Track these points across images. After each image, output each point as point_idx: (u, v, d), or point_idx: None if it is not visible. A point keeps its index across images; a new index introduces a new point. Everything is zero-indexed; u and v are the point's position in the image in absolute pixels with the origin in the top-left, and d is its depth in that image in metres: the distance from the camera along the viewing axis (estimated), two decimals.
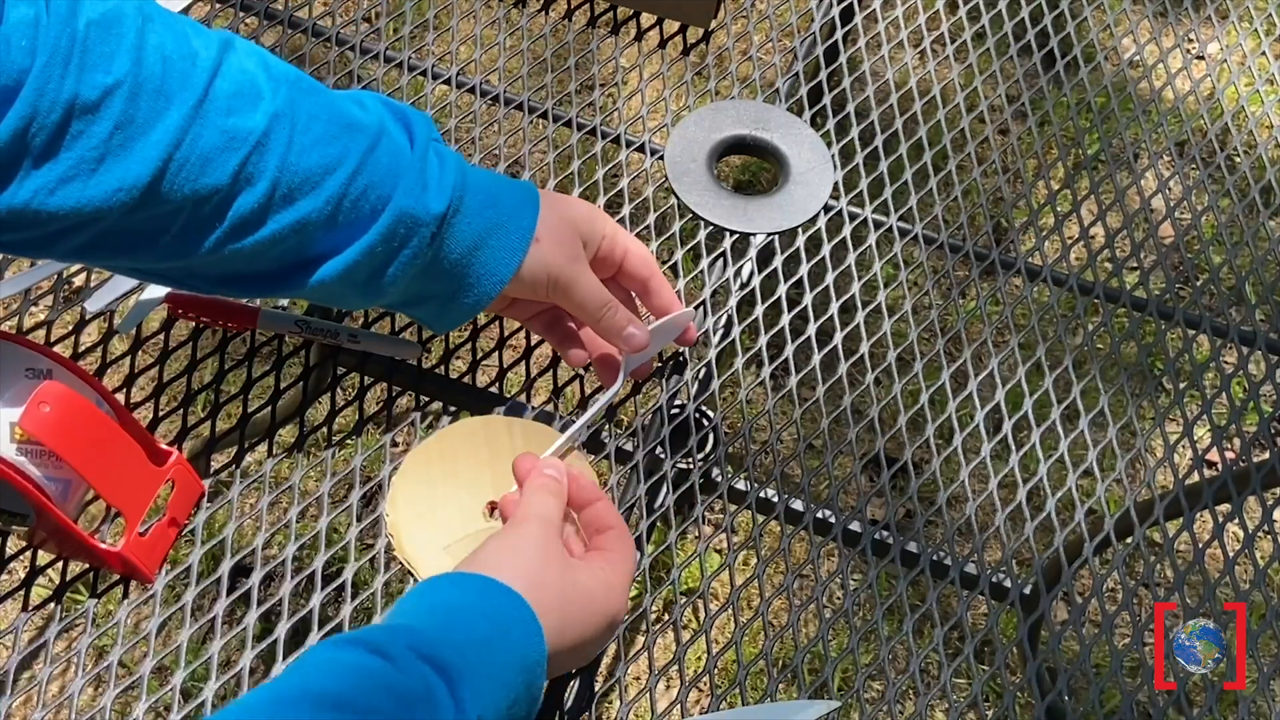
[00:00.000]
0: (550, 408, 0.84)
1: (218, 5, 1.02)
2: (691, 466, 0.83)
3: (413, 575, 0.76)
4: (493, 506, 0.78)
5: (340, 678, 0.58)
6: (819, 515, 0.85)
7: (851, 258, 0.94)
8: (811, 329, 0.90)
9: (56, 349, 0.77)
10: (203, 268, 0.68)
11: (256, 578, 0.77)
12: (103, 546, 0.73)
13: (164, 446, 0.77)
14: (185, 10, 0.99)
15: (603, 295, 0.78)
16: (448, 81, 1.01)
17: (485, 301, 0.75)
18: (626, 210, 0.94)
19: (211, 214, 0.65)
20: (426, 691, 0.58)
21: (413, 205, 0.69)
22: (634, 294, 0.83)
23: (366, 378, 0.86)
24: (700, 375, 0.87)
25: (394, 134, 0.71)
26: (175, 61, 0.62)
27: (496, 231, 0.73)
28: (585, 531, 0.73)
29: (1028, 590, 0.86)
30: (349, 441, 0.83)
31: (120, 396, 0.82)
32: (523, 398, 0.85)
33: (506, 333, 0.89)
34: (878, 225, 0.95)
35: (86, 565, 0.77)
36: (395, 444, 0.83)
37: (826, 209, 0.95)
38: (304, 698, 0.57)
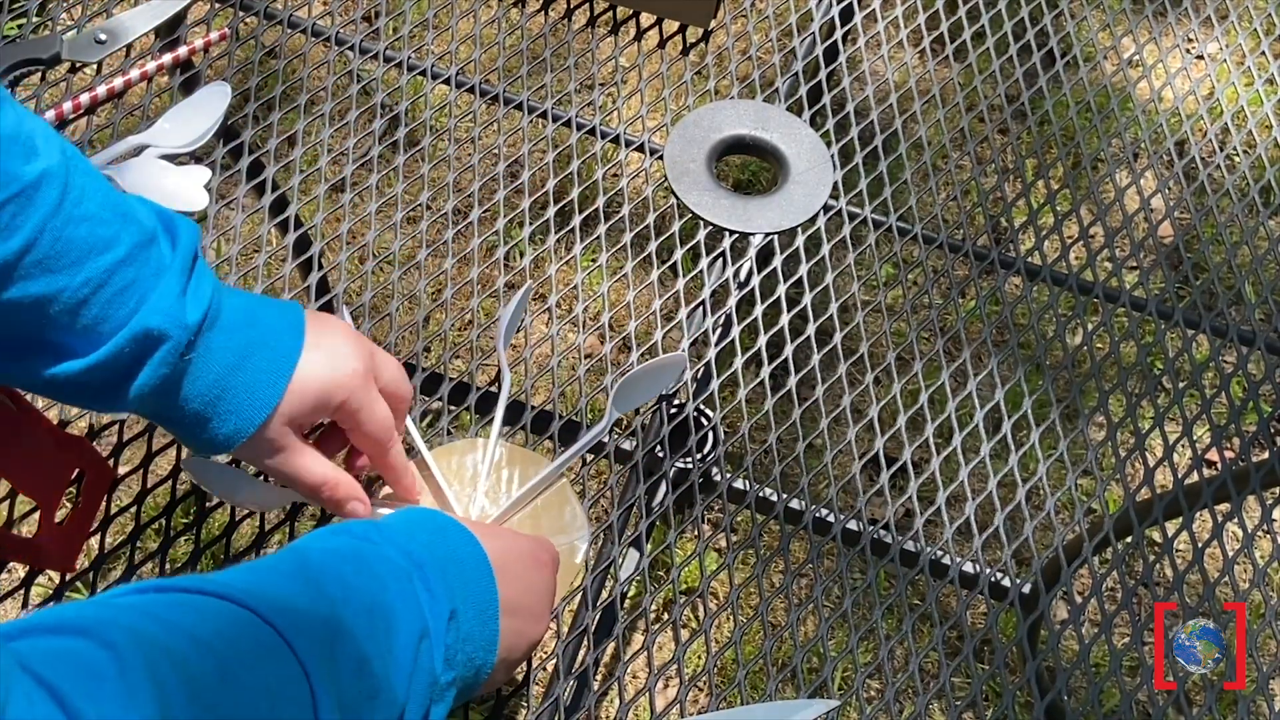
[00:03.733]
0: (550, 408, 0.84)
1: (217, 5, 1.02)
2: (691, 466, 0.83)
3: None
4: None
5: (316, 554, 0.60)
6: (818, 515, 0.85)
7: (851, 257, 0.94)
8: (811, 329, 0.90)
9: None
10: None
11: None
12: (20, 538, 0.72)
13: (71, 434, 0.77)
14: (184, 10, 0.99)
15: (314, 477, 0.71)
16: (447, 81, 1.01)
17: (248, 429, 0.68)
18: (626, 210, 0.94)
19: None
20: (410, 571, 0.60)
21: (170, 309, 0.64)
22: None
23: None
24: (699, 375, 0.87)
25: (161, 238, 0.66)
26: None
27: (256, 351, 0.67)
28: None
29: (1027, 590, 0.86)
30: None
31: None
32: (522, 398, 0.85)
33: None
34: (877, 225, 0.95)
35: (87, 565, 0.77)
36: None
37: (826, 208, 0.95)
38: (302, 569, 0.59)
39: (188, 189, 0.89)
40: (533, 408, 0.84)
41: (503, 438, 0.82)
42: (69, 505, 0.76)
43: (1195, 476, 0.87)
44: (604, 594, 0.79)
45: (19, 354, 0.63)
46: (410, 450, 0.80)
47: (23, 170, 0.60)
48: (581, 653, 0.77)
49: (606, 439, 0.83)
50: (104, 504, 0.78)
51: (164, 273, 0.64)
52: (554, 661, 0.75)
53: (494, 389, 0.85)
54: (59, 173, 0.62)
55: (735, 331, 0.90)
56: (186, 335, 0.64)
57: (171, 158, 0.91)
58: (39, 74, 0.95)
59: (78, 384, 0.63)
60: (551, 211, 0.94)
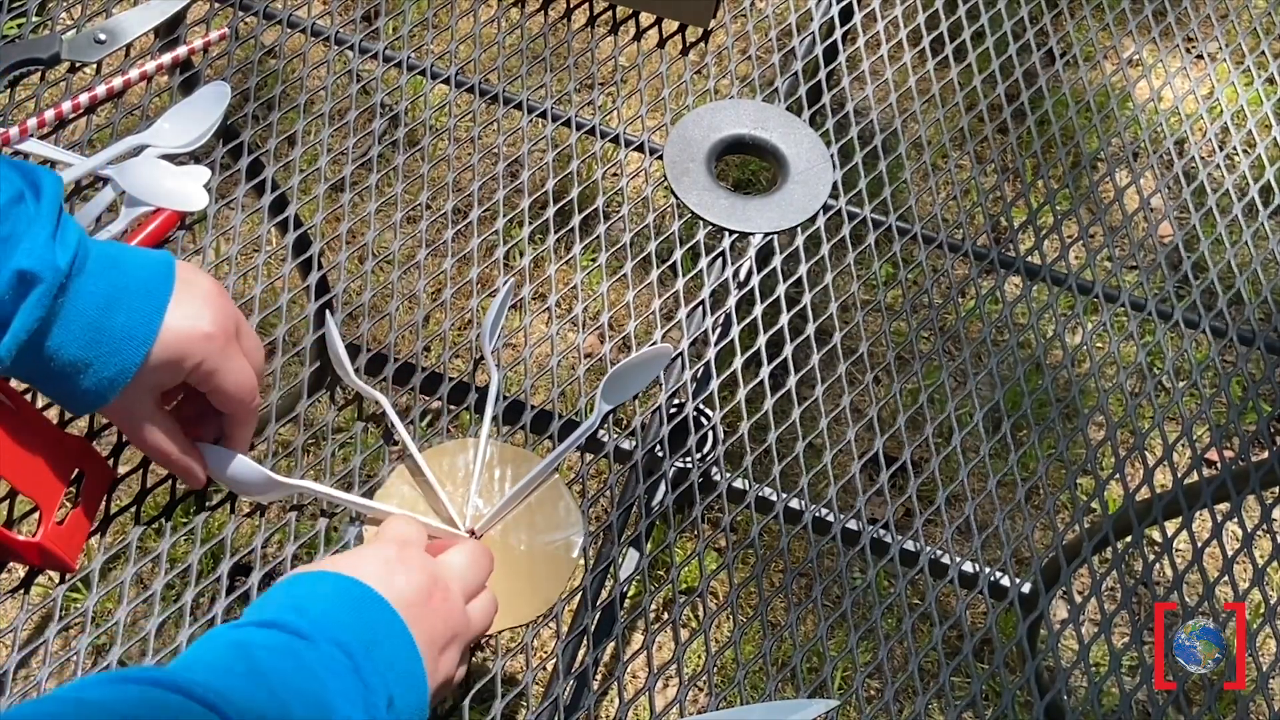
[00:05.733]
0: (550, 408, 0.84)
1: (217, 5, 1.02)
2: (690, 466, 0.83)
3: None
4: (472, 534, 0.78)
5: (261, 653, 0.61)
6: (818, 514, 0.85)
7: (851, 257, 0.94)
8: (811, 328, 0.90)
9: None
10: None
11: (256, 577, 0.77)
12: (21, 539, 0.73)
13: (71, 434, 0.77)
14: (184, 10, 0.99)
15: (162, 451, 0.73)
16: (447, 81, 1.01)
17: (130, 369, 0.68)
18: (626, 210, 0.94)
19: None
20: (342, 669, 0.61)
21: (41, 253, 0.65)
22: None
23: (366, 375, 0.86)
24: (699, 374, 0.87)
25: (27, 193, 0.67)
26: None
27: (125, 294, 0.68)
28: None
29: (1026, 589, 0.86)
30: (348, 441, 0.83)
31: None
32: (522, 397, 0.85)
33: (506, 333, 0.88)
34: (877, 224, 0.95)
35: (88, 565, 0.77)
36: (394, 443, 0.83)
37: (826, 208, 0.95)
38: (255, 671, 0.60)
39: (188, 188, 0.89)
40: (532, 407, 0.84)
41: (502, 438, 0.82)
42: (69, 505, 0.76)
43: (1195, 476, 0.87)
44: (604, 594, 0.79)
45: None
46: (402, 454, 0.80)
47: None
48: (581, 653, 0.77)
49: (606, 438, 0.83)
50: (104, 504, 0.78)
51: (33, 222, 0.65)
52: (554, 661, 0.75)
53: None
54: None
55: (735, 331, 0.90)
56: (58, 278, 0.65)
57: (171, 158, 0.91)
58: (39, 74, 0.95)
59: None
60: (551, 211, 0.94)
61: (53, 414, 0.79)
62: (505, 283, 0.87)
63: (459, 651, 0.69)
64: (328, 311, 0.87)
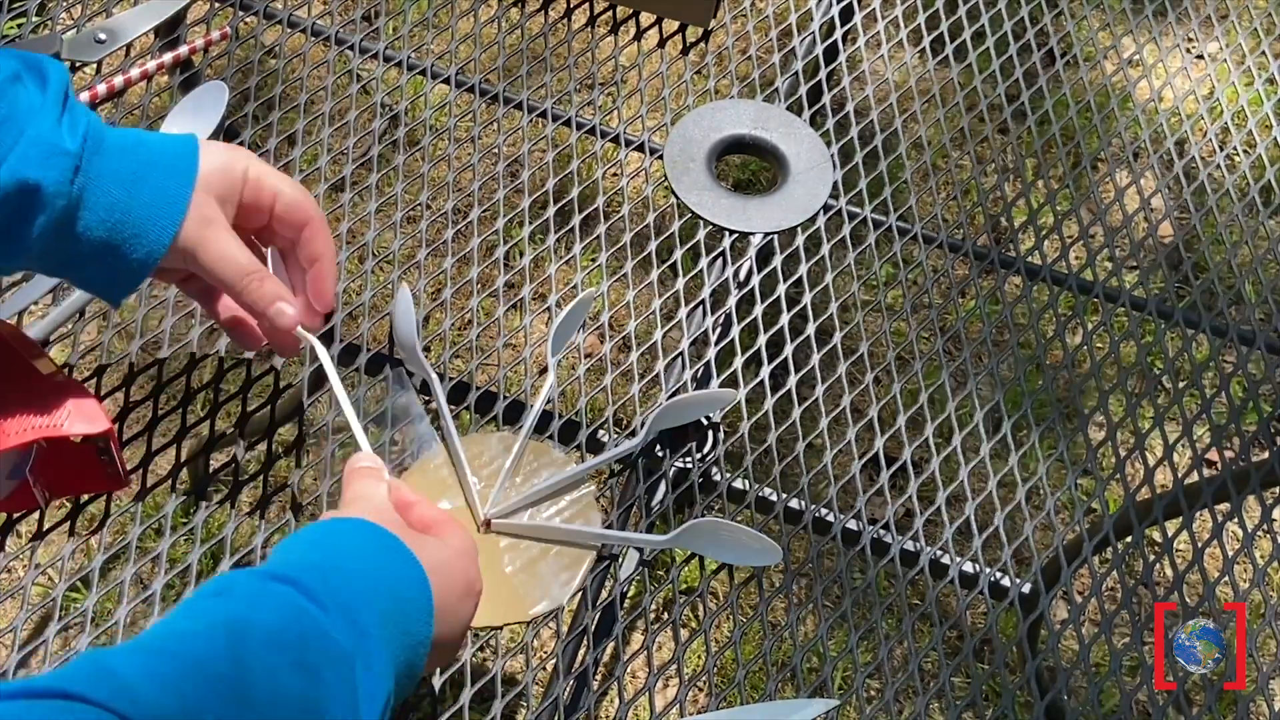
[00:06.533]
0: (550, 408, 0.84)
1: (217, 5, 1.02)
2: (691, 466, 0.83)
3: None
4: (488, 523, 0.78)
5: (280, 614, 0.57)
6: (818, 514, 0.85)
7: (851, 257, 0.94)
8: (811, 328, 0.90)
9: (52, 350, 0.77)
10: None
11: None
12: (83, 430, 0.71)
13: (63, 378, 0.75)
14: (184, 9, 0.99)
15: (240, 264, 0.68)
16: (447, 80, 1.01)
17: (159, 252, 0.66)
18: (626, 210, 0.94)
19: None
20: (352, 655, 0.57)
21: (48, 139, 0.63)
22: (284, 250, 0.73)
23: (365, 376, 0.86)
24: (699, 375, 0.87)
25: (25, 75, 0.65)
26: None
27: (151, 170, 0.66)
28: (415, 529, 0.69)
29: (1027, 589, 0.86)
30: (348, 440, 0.83)
31: (120, 394, 0.82)
32: (522, 397, 0.85)
33: (506, 333, 0.89)
34: (877, 224, 0.95)
35: (82, 565, 0.77)
36: (394, 442, 0.83)
37: (826, 208, 0.95)
38: (249, 631, 0.55)
39: None
40: (532, 406, 0.84)
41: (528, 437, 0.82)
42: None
43: (1195, 476, 0.87)
44: (604, 594, 0.79)
45: None
46: (440, 434, 0.81)
47: None
48: (581, 652, 0.77)
49: (606, 438, 0.83)
50: (104, 502, 0.78)
51: (40, 110, 0.64)
52: (554, 661, 0.75)
53: (493, 389, 0.85)
54: None
55: (735, 331, 0.90)
56: (70, 162, 0.63)
57: None
58: None
59: None
60: (551, 211, 0.94)
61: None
62: (585, 295, 0.87)
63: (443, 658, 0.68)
64: (405, 286, 0.86)
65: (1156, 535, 0.87)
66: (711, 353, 0.87)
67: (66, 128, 0.64)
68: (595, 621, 0.78)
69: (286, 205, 0.70)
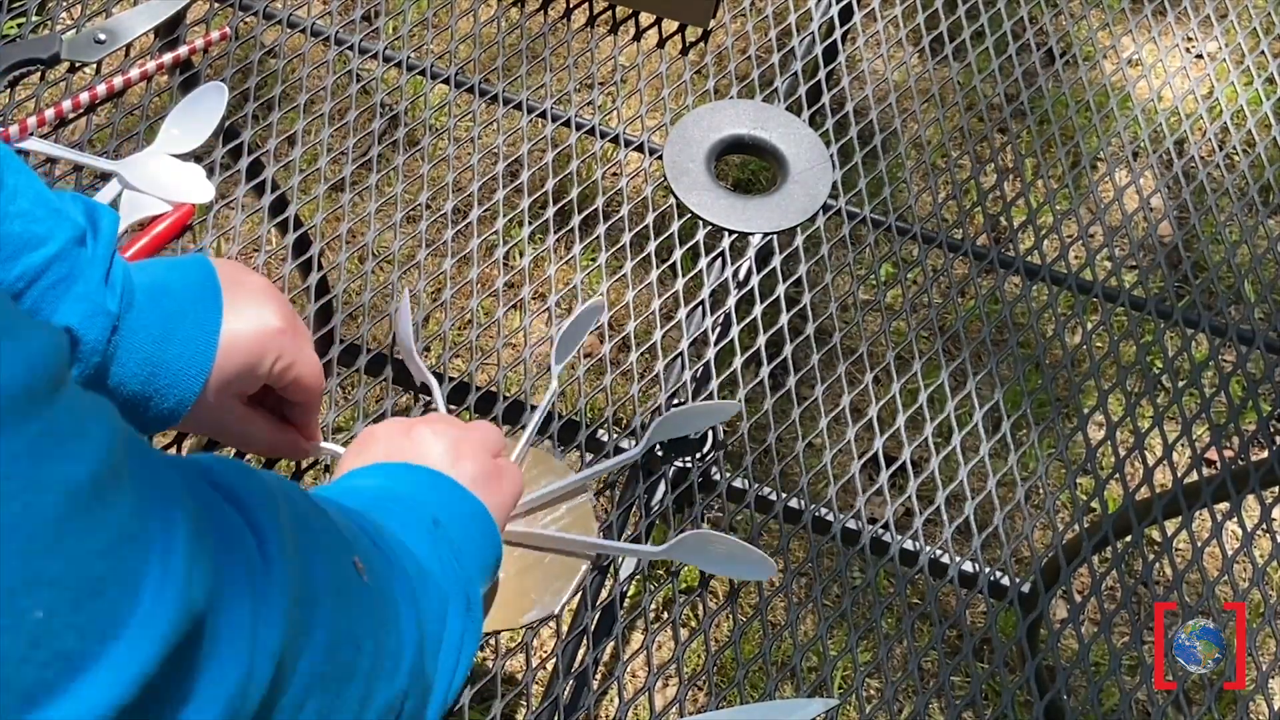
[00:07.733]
0: (550, 410, 0.84)
1: (217, 5, 1.02)
2: (690, 465, 0.83)
3: None
4: None
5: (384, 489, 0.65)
6: (818, 514, 0.85)
7: (850, 257, 0.94)
8: (810, 328, 0.90)
9: None
10: None
11: None
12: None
13: None
14: (184, 10, 0.99)
15: (258, 447, 0.76)
16: (446, 80, 1.01)
17: (189, 399, 0.68)
18: (625, 210, 0.94)
19: None
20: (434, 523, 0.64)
21: (95, 296, 0.65)
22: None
23: (365, 376, 0.86)
24: (699, 374, 0.87)
25: (89, 233, 0.67)
26: None
27: (178, 323, 0.68)
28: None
29: (1026, 589, 0.86)
30: (347, 441, 0.83)
31: None
32: (522, 398, 0.85)
33: (506, 333, 0.89)
34: (876, 224, 0.95)
35: None
36: None
37: (825, 208, 0.95)
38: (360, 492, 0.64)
39: (194, 181, 0.90)
40: (532, 408, 0.84)
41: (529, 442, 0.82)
42: None
43: (1194, 476, 0.87)
44: (604, 593, 0.79)
45: None
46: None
47: None
48: (581, 652, 0.77)
49: (606, 437, 0.83)
50: None
51: (90, 265, 0.65)
52: (554, 661, 0.75)
53: (493, 389, 0.85)
54: None
55: (734, 331, 0.90)
56: (110, 322, 0.65)
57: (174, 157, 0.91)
58: (39, 73, 0.95)
59: None
60: (551, 211, 0.94)
61: None
62: (590, 304, 0.86)
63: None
64: (406, 290, 0.86)
65: (1156, 535, 0.87)
66: (711, 353, 0.87)
67: (110, 286, 0.66)
68: (595, 621, 0.78)
69: (298, 391, 0.73)
